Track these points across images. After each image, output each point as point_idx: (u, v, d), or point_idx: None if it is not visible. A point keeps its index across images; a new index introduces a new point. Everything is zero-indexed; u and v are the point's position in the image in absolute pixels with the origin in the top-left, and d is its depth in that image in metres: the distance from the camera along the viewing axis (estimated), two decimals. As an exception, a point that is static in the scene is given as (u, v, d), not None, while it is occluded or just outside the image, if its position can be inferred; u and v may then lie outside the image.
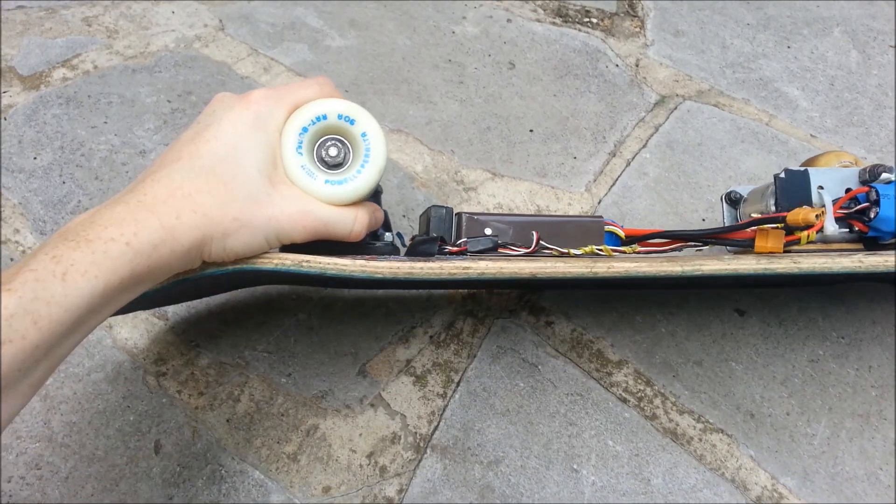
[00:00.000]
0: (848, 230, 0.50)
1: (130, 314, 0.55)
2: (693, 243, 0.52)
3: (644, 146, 0.75)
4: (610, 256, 0.47)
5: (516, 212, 0.51)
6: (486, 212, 0.49)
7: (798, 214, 0.47)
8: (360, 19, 0.84)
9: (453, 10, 0.87)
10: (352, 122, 0.40)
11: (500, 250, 0.46)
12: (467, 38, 0.84)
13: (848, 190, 0.50)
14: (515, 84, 0.80)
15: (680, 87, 0.82)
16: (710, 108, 0.79)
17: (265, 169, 0.38)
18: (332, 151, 0.40)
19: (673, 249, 0.51)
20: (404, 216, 0.66)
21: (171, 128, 0.70)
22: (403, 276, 0.39)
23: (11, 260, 0.58)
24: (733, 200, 0.57)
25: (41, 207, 0.62)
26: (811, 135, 0.78)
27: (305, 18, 0.83)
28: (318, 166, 0.40)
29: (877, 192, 0.49)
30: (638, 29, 0.89)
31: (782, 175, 0.50)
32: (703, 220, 0.68)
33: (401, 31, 0.84)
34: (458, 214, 0.48)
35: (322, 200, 0.39)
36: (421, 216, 0.51)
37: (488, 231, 0.47)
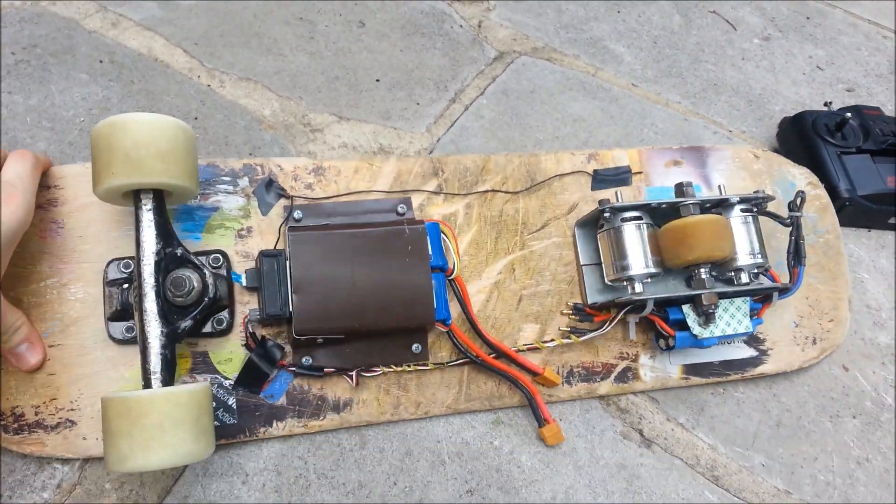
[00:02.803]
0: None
1: None
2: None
3: (482, 94, 0.81)
4: (415, 371, 0.55)
5: (356, 281, 0.50)
6: (316, 326, 0.50)
7: (547, 378, 0.56)
8: (214, -19, 0.87)
9: (308, -25, 0.91)
10: None
11: (325, 370, 0.53)
12: None
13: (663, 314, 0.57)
14: (365, 40, 0.84)
15: (517, 44, 0.89)
16: (543, 63, 0.87)
17: None
18: None
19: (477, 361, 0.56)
20: (251, 154, 0.69)
21: (14, 77, 0.70)
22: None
23: None
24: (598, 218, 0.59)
25: None
26: (632, 84, 0.87)
27: (158, -20, 0.85)
28: None
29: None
30: (483, -5, 0.96)
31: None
32: (531, 153, 0.75)
33: (254, -8, 0.87)
34: (294, 329, 0.50)
35: None
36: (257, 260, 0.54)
37: (320, 340, 0.52)
